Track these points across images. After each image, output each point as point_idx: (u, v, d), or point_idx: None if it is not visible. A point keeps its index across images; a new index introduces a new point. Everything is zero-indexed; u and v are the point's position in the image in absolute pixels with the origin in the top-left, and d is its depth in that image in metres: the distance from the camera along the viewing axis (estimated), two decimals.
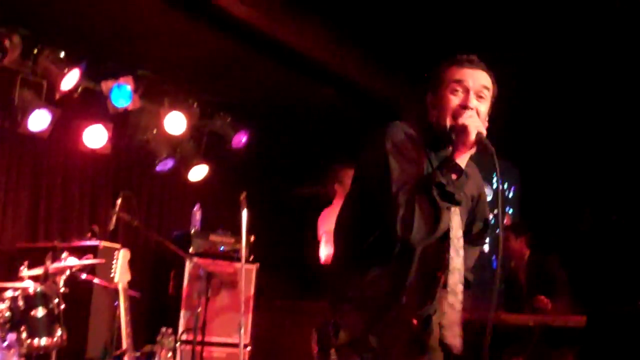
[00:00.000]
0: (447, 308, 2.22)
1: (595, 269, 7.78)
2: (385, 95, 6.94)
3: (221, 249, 5.99)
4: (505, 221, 8.63)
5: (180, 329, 5.57)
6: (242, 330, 4.84)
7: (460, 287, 2.25)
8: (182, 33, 5.57)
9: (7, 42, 5.12)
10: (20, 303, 4.04)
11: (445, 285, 2.23)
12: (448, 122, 2.27)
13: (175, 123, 6.25)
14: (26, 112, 5.36)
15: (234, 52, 5.87)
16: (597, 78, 6.63)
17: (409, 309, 2.22)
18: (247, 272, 5.77)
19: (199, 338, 5.21)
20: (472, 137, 2.18)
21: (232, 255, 5.94)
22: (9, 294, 4.06)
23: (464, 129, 2.20)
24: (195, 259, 5.59)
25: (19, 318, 4.02)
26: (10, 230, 5.56)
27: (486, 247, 8.28)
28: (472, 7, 5.60)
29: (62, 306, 4.15)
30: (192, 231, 5.99)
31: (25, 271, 4.25)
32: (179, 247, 5.49)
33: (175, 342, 5.31)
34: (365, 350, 2.20)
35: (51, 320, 4.10)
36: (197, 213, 6.16)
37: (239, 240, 5.40)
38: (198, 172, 6.64)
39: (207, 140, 6.68)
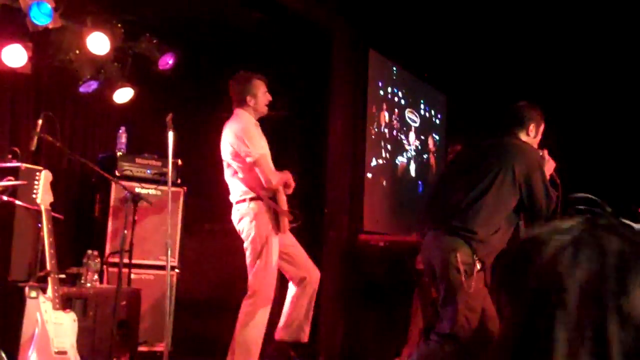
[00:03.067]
0: None
1: None
2: (315, 20, 6.89)
3: (148, 171, 5.95)
4: (431, 146, 8.82)
5: (107, 251, 5.55)
6: (170, 253, 4.87)
7: None
8: None
9: None
10: None
11: None
12: None
13: (99, 43, 6.06)
14: None
15: None
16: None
17: None
18: (174, 195, 5.76)
19: (125, 260, 5.23)
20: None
21: (158, 179, 5.90)
22: None
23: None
24: (121, 182, 5.54)
25: None
26: None
27: (413, 172, 8.47)
28: None
29: None
30: (118, 154, 5.91)
31: None
32: (105, 169, 5.43)
33: (102, 264, 5.31)
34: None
35: None
36: (122, 136, 6.06)
37: (165, 164, 5.37)
38: (123, 95, 6.48)
39: (132, 62, 6.52)
